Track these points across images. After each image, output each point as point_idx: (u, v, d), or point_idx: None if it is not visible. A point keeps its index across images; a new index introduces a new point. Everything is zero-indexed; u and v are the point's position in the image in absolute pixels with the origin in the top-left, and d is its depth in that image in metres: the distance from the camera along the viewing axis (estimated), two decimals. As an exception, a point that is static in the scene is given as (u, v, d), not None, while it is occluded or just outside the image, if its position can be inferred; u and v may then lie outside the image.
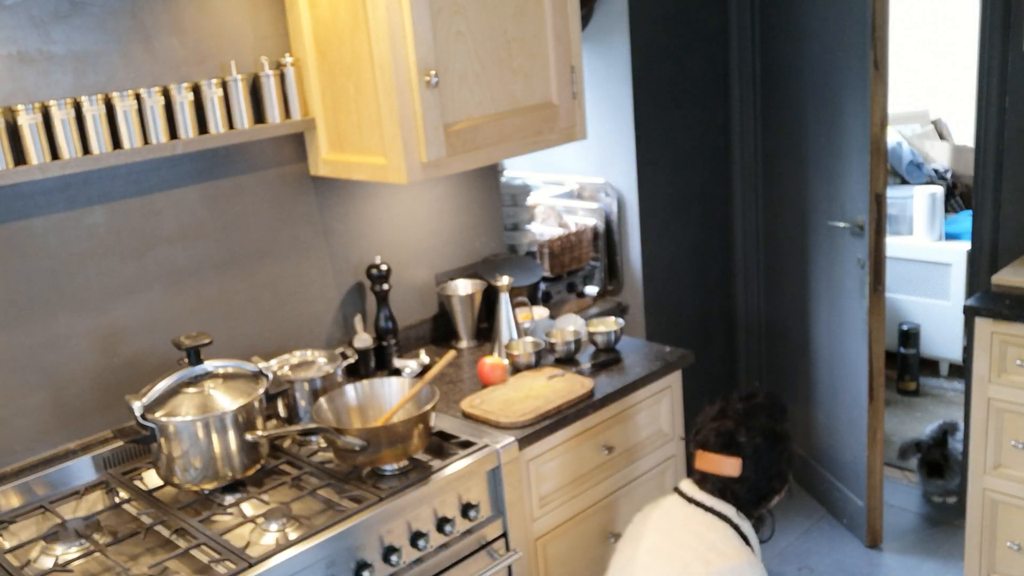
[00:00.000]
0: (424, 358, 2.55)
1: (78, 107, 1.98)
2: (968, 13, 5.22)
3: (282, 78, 2.29)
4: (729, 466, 1.98)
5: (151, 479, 2.10)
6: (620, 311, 3.36)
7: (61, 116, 1.94)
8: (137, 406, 1.95)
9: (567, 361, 2.56)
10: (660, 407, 2.55)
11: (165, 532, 1.90)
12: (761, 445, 2.00)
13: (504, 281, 2.61)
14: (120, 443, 2.13)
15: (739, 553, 1.93)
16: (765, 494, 2.04)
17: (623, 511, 2.49)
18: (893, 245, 4.27)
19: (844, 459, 3.42)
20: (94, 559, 1.82)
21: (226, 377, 2.08)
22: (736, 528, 1.99)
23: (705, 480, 2.02)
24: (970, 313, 2.73)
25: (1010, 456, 2.75)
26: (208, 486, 2.02)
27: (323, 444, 2.19)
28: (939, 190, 4.60)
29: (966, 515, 2.91)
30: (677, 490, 2.07)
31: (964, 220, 4.45)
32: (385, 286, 2.54)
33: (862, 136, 3.00)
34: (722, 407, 2.07)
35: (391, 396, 2.19)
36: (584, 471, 2.37)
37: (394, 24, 2.07)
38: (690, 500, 2.02)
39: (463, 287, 2.74)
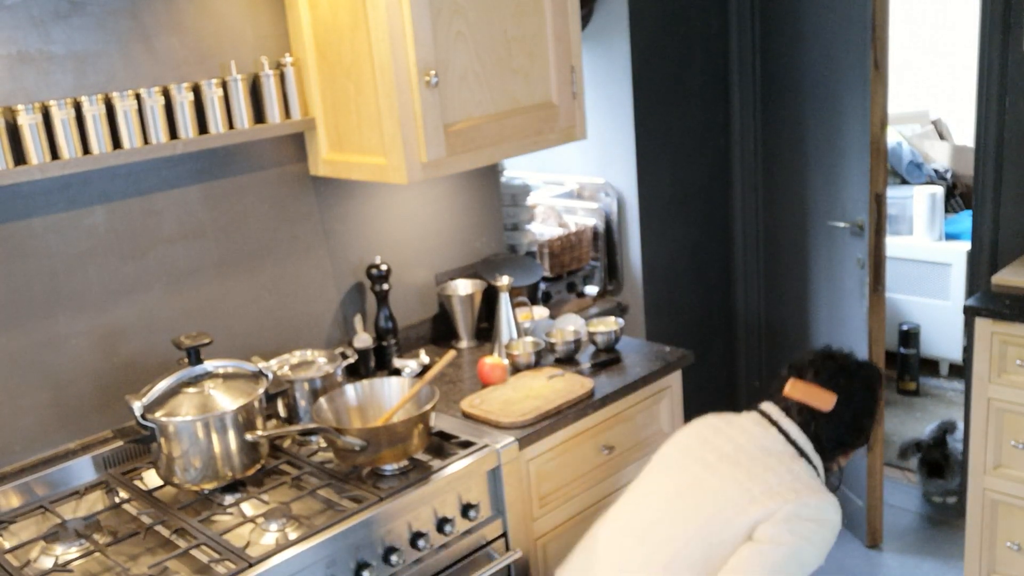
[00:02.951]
0: (424, 358, 2.55)
1: (78, 107, 1.98)
2: (968, 13, 5.22)
3: (282, 78, 2.29)
4: (823, 399, 1.91)
5: (151, 479, 2.10)
6: (620, 311, 3.36)
7: (61, 116, 1.94)
8: (137, 406, 1.95)
9: (567, 361, 2.56)
10: (660, 407, 2.55)
11: (165, 532, 1.90)
12: (859, 391, 1.95)
13: (504, 281, 2.61)
14: (120, 443, 2.13)
15: (825, 492, 1.85)
16: (846, 441, 1.95)
17: (623, 511, 2.49)
18: (893, 245, 4.27)
19: None
20: (94, 559, 1.82)
21: (226, 377, 2.08)
22: (818, 473, 1.91)
23: (790, 409, 1.94)
24: (970, 313, 2.73)
25: (1010, 456, 2.75)
26: (208, 486, 2.02)
27: (323, 444, 2.19)
28: (939, 190, 4.60)
29: (966, 515, 2.91)
30: (758, 409, 1.98)
31: (964, 220, 4.45)
32: (385, 286, 2.54)
33: (862, 136, 3.00)
34: (828, 349, 2.02)
35: (391, 396, 2.19)
36: (584, 471, 2.37)
37: (394, 24, 2.07)
38: (773, 423, 1.93)
39: (463, 287, 2.74)
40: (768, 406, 1.98)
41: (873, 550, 3.38)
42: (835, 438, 1.94)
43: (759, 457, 1.88)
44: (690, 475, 1.90)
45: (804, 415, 1.93)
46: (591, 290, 3.38)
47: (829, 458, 1.96)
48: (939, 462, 3.53)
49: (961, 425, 3.53)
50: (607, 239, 3.52)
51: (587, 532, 2.02)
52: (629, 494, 2.00)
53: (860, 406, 1.96)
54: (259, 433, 2.03)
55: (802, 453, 1.91)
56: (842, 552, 3.37)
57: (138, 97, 2.05)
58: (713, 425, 2.00)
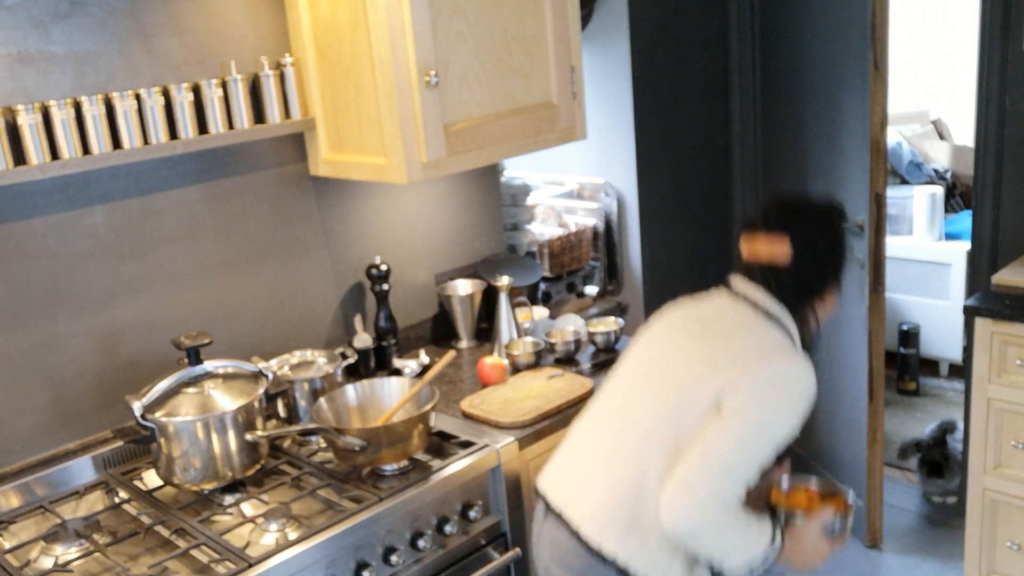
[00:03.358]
0: (424, 358, 2.55)
1: (78, 107, 1.98)
2: (968, 13, 5.21)
3: (282, 78, 2.29)
4: (777, 247, 1.79)
5: (151, 479, 2.10)
6: (620, 311, 3.36)
7: (61, 116, 1.94)
8: (137, 406, 1.95)
9: (567, 361, 2.56)
10: (660, 407, 2.55)
11: (165, 532, 1.90)
12: (813, 228, 1.82)
13: (504, 281, 2.61)
14: (120, 443, 2.13)
15: (795, 355, 1.75)
16: (812, 287, 1.83)
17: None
18: (893, 245, 4.27)
19: (844, 459, 3.42)
20: (94, 559, 1.82)
21: (226, 377, 2.08)
22: (790, 336, 1.80)
23: (753, 272, 1.83)
24: (970, 313, 2.73)
25: (1010, 456, 2.75)
26: (208, 486, 2.02)
27: (323, 444, 2.19)
28: (939, 190, 4.60)
29: (966, 515, 2.91)
30: (725, 284, 1.88)
31: (964, 220, 4.45)
32: (385, 286, 2.54)
33: (862, 136, 3.00)
34: (778, 193, 1.89)
35: (391, 396, 2.19)
36: (584, 471, 2.36)
37: (394, 24, 2.07)
38: (739, 293, 1.84)
39: (463, 287, 2.74)
40: (733, 277, 1.88)
41: (873, 550, 3.38)
42: (799, 286, 1.82)
43: (726, 329, 1.80)
44: (658, 357, 1.84)
45: (765, 272, 1.81)
46: (591, 290, 3.38)
47: (799, 311, 1.83)
48: (939, 462, 3.53)
49: (961, 425, 3.53)
50: (607, 239, 3.52)
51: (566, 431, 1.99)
52: (603, 386, 1.95)
53: (819, 245, 1.82)
54: (259, 433, 2.03)
55: (771, 316, 1.80)
56: (842, 552, 3.36)
57: (138, 97, 2.05)
58: (682, 308, 1.92)
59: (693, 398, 1.73)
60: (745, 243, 1.86)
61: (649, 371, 1.85)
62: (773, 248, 1.80)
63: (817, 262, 1.83)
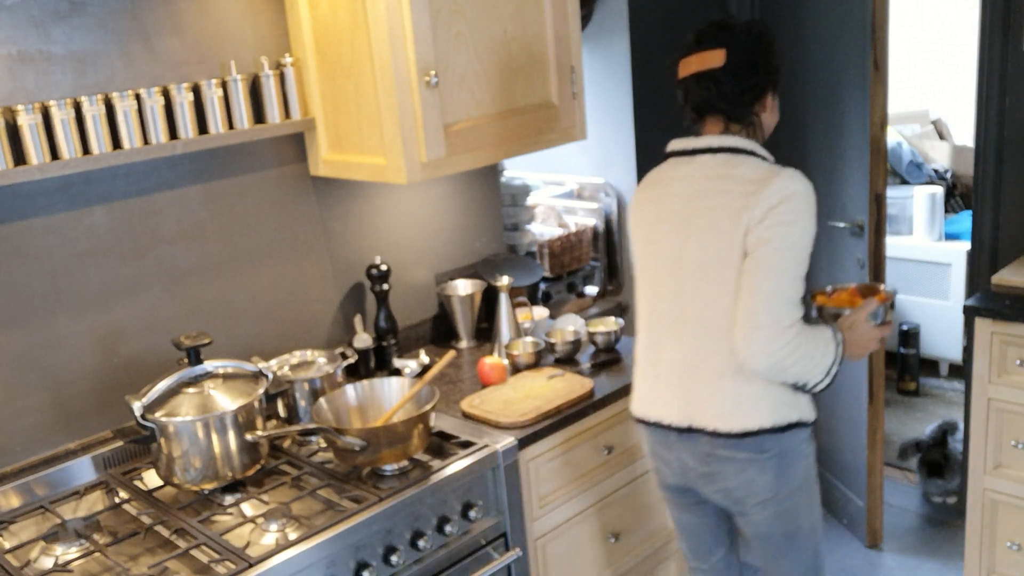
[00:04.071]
0: (424, 358, 2.55)
1: (78, 107, 1.98)
2: (968, 13, 5.22)
3: (282, 78, 2.29)
4: (712, 57, 1.94)
5: (151, 479, 2.10)
6: (620, 311, 3.36)
7: (61, 116, 1.94)
8: (137, 406, 1.95)
9: (567, 361, 2.56)
10: (660, 407, 2.55)
11: (165, 532, 1.90)
12: (741, 35, 1.96)
13: (504, 281, 2.61)
14: (120, 443, 2.13)
15: (778, 170, 1.90)
16: (755, 84, 1.96)
17: (623, 511, 2.49)
18: (893, 245, 4.27)
19: (844, 459, 3.42)
20: (94, 559, 1.82)
21: (226, 377, 2.09)
22: (758, 155, 1.95)
23: (700, 121, 2.00)
24: (970, 313, 2.72)
25: (1010, 456, 2.75)
26: (208, 486, 2.02)
27: (323, 444, 2.19)
28: (939, 190, 4.60)
29: (966, 515, 2.91)
30: (667, 155, 2.03)
31: (964, 220, 4.45)
32: (385, 286, 2.55)
33: (862, 136, 3.00)
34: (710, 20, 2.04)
35: (391, 396, 2.19)
36: (584, 471, 2.37)
37: (394, 24, 2.07)
38: (686, 152, 1.99)
39: (463, 287, 2.74)
40: (678, 143, 2.03)
41: (873, 550, 3.38)
42: (740, 87, 1.95)
43: (708, 188, 1.93)
44: (674, 257, 1.98)
45: (702, 79, 1.95)
46: (591, 290, 3.38)
47: (745, 117, 1.98)
48: (939, 462, 3.53)
49: (961, 425, 3.53)
50: (607, 239, 3.52)
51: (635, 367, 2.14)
52: (639, 301, 2.10)
53: (748, 45, 1.95)
54: (259, 433, 2.03)
55: (735, 150, 1.94)
56: (842, 552, 3.37)
57: (138, 97, 2.05)
58: (657, 191, 2.04)
59: (724, 266, 1.90)
60: (680, 67, 2.00)
61: (676, 272, 1.98)
62: (706, 58, 1.95)
63: (750, 64, 1.95)
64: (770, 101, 2.01)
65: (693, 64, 1.97)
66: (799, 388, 1.94)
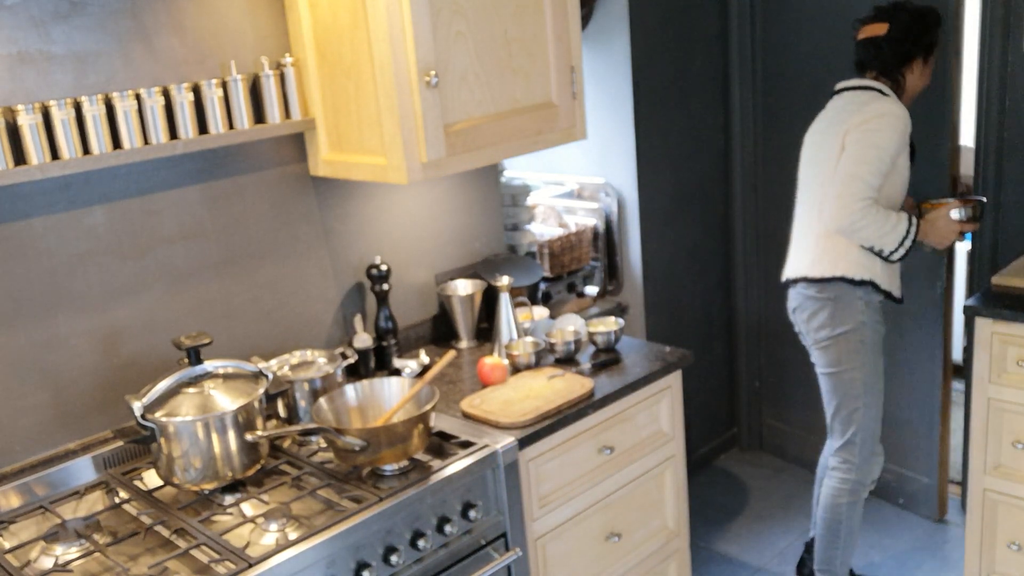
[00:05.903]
0: (424, 358, 2.55)
1: (78, 107, 1.98)
2: (968, 13, 5.20)
3: (282, 78, 2.30)
4: (878, 28, 2.67)
5: (151, 479, 2.10)
6: (620, 311, 3.37)
7: (61, 116, 1.94)
8: (137, 406, 1.95)
9: (567, 361, 2.56)
10: (660, 407, 2.55)
11: (165, 532, 1.90)
12: (902, 14, 2.65)
13: (504, 281, 2.61)
14: (120, 443, 2.13)
15: (883, 99, 2.61)
16: (907, 52, 2.67)
17: (623, 511, 2.49)
18: (893, 245, 4.25)
19: (907, 442, 3.41)
20: (94, 559, 1.82)
21: (226, 377, 2.09)
22: (879, 92, 2.64)
23: (862, 64, 2.73)
24: (970, 313, 2.73)
25: (1010, 456, 2.75)
26: (208, 486, 2.02)
27: (323, 444, 2.19)
28: (939, 190, 4.59)
29: (966, 515, 2.91)
30: (839, 89, 2.76)
31: (964, 220, 4.44)
32: (385, 286, 2.55)
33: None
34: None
35: (391, 396, 2.19)
36: (584, 471, 2.37)
37: (394, 24, 2.08)
38: (840, 91, 2.75)
39: (463, 287, 2.74)
40: (840, 84, 2.77)
41: (940, 523, 3.49)
42: (895, 52, 2.67)
43: (841, 109, 2.68)
44: (810, 157, 2.80)
45: (867, 43, 2.70)
46: (591, 290, 3.39)
47: (893, 72, 2.69)
48: None
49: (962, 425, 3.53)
50: (607, 239, 3.52)
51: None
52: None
53: (907, 23, 2.65)
54: (259, 433, 2.03)
55: (868, 88, 2.67)
56: (909, 525, 3.47)
57: (138, 97, 2.06)
58: (816, 120, 2.82)
59: (827, 157, 2.65)
60: (860, 32, 2.73)
61: (805, 166, 2.82)
62: (874, 28, 2.69)
63: (903, 36, 2.66)
64: (917, 67, 2.70)
65: (865, 31, 2.71)
66: (877, 254, 2.62)
